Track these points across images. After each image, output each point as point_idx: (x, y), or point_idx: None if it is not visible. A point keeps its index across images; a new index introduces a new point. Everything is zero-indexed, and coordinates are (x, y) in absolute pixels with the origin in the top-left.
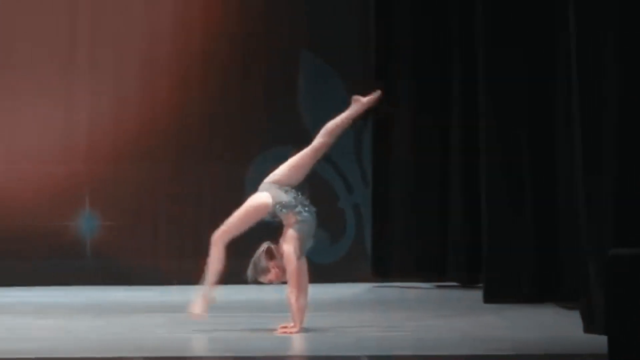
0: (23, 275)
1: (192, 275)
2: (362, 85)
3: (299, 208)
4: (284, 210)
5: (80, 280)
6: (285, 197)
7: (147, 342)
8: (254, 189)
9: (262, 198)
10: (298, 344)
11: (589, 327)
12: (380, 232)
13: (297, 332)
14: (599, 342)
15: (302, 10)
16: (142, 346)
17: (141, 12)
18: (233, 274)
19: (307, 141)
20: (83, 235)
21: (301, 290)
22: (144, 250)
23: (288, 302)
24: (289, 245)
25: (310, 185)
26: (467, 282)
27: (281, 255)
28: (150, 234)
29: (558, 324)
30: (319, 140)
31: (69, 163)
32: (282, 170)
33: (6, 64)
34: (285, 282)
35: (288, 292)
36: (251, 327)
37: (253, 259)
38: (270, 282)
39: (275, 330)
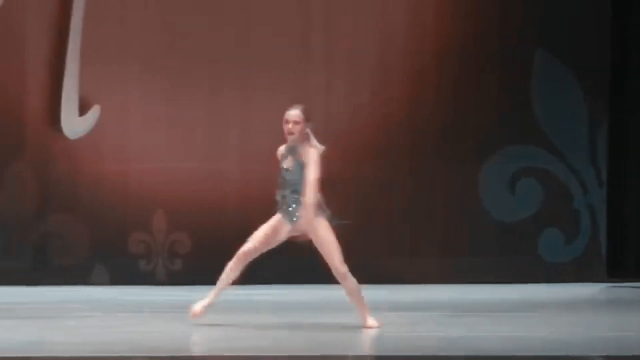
0: (257, 273)
1: (424, 274)
2: (598, 85)
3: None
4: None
5: (311, 278)
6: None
7: (379, 340)
8: (488, 188)
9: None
10: (528, 344)
11: None
12: (615, 232)
13: None
14: None
15: (536, 10)
16: (376, 345)
17: (375, 12)
18: None
19: (541, 141)
20: None
21: None
22: (378, 248)
23: None
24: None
25: (545, 186)
26: None
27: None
28: (383, 233)
29: None
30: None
31: None
32: None
33: (242, 63)
34: None
35: None
36: (486, 326)
37: None
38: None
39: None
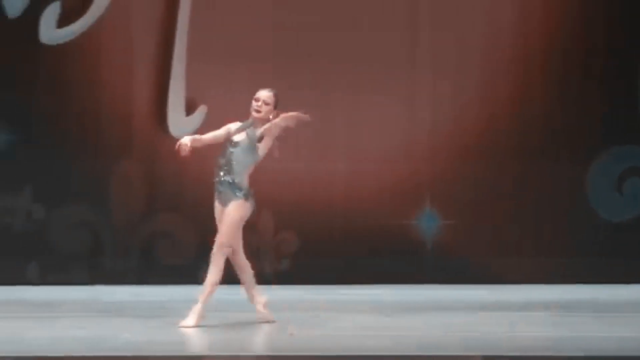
0: (364, 273)
1: (529, 274)
2: None
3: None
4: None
5: (421, 278)
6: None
7: (484, 341)
8: (595, 188)
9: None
10: (634, 344)
11: None
12: None
13: None
14: None
15: None
16: (481, 345)
17: (482, 11)
18: None
19: None
20: (424, 234)
21: None
22: (483, 248)
23: None
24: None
25: None
26: None
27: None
28: (489, 233)
29: None
30: None
31: (411, 162)
32: None
33: (350, 63)
34: None
35: None
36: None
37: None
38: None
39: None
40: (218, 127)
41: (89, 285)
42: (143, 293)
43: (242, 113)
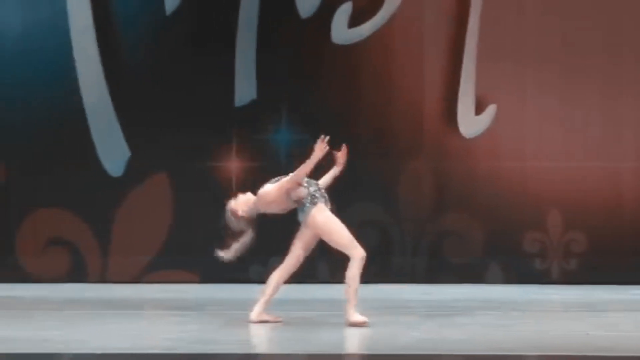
0: None
1: None
2: None
3: None
4: None
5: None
6: None
7: None
8: None
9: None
10: None
11: None
12: None
13: None
14: None
15: None
16: None
17: None
18: None
19: None
20: None
21: None
22: None
23: None
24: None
25: None
26: None
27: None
28: None
29: None
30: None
31: None
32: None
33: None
34: None
35: None
36: None
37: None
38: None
39: None
40: (507, 125)
41: (375, 284)
42: (431, 291)
43: (530, 112)
